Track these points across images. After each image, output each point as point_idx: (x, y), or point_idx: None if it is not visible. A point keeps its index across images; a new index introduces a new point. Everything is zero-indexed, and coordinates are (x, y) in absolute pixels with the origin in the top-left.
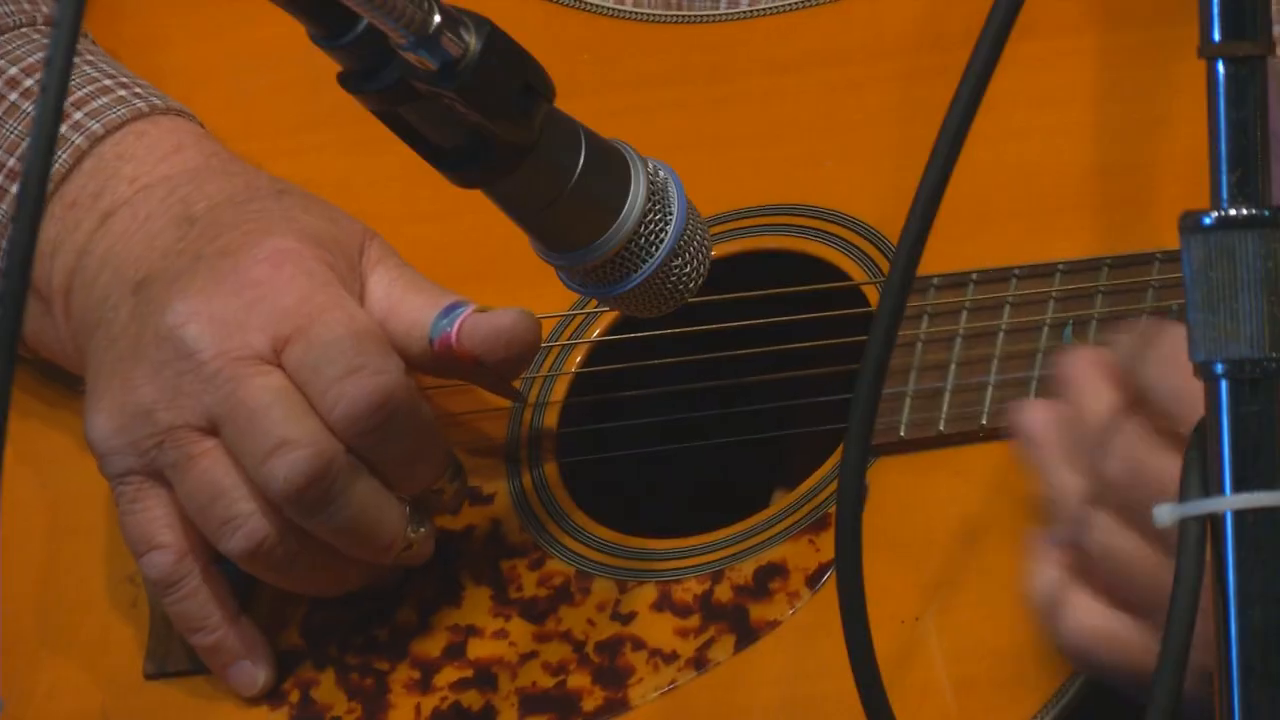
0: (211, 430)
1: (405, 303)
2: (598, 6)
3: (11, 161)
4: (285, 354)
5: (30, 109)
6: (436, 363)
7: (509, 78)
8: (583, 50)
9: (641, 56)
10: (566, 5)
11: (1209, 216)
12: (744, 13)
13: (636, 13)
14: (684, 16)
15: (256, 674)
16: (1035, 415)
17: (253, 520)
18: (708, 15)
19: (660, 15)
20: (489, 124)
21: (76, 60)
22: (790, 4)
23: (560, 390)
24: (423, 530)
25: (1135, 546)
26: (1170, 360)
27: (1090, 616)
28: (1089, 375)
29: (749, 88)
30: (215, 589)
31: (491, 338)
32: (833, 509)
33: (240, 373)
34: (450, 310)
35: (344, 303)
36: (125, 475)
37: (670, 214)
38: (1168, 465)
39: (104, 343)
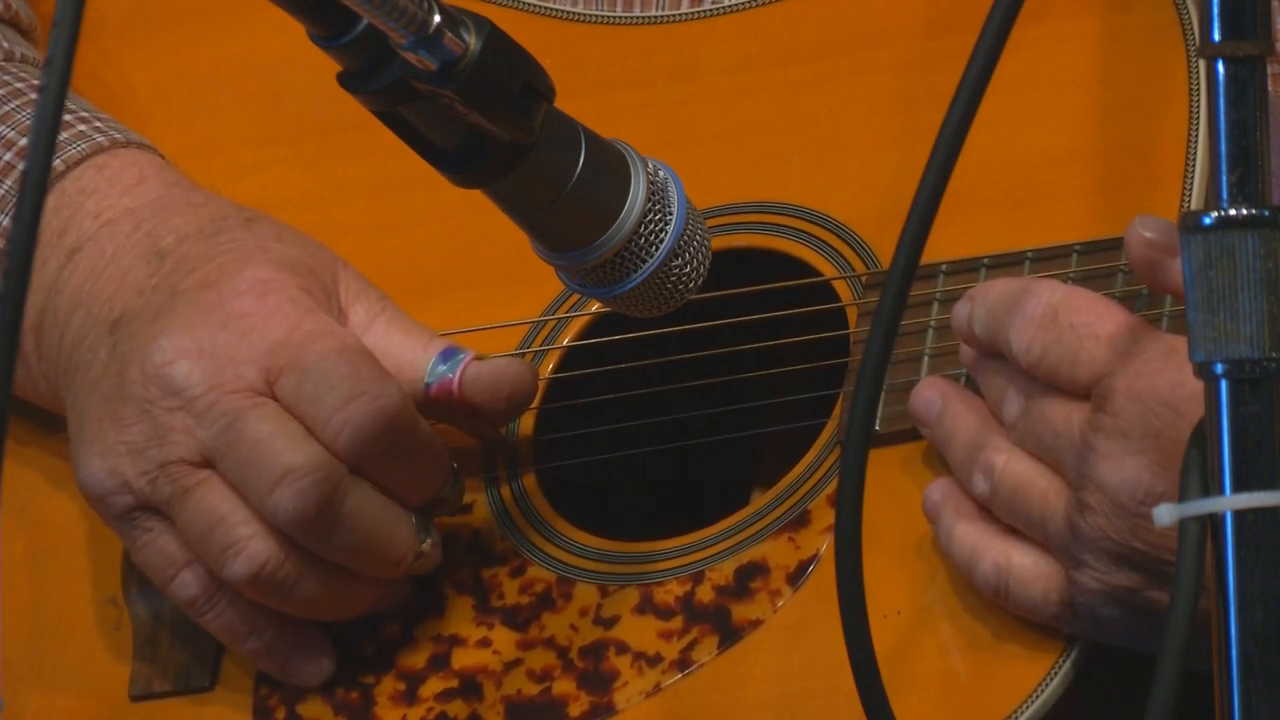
0: (205, 464)
1: (394, 343)
2: (554, 10)
3: None
4: (279, 385)
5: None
6: (427, 406)
7: (509, 78)
8: (543, 55)
9: (602, 59)
10: (523, 9)
11: (1209, 216)
12: (703, 12)
13: (594, 15)
14: (642, 18)
15: (321, 661)
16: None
17: (254, 543)
18: (666, 16)
19: (618, 17)
20: (489, 124)
21: (34, 96)
22: (749, 1)
23: (535, 397)
24: (430, 538)
25: (1027, 467)
26: (1030, 319)
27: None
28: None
29: (711, 87)
30: None
31: (493, 387)
32: (812, 505)
33: (235, 406)
34: (448, 356)
35: (332, 329)
36: (128, 513)
37: (670, 214)
38: (1055, 400)
39: (86, 385)
